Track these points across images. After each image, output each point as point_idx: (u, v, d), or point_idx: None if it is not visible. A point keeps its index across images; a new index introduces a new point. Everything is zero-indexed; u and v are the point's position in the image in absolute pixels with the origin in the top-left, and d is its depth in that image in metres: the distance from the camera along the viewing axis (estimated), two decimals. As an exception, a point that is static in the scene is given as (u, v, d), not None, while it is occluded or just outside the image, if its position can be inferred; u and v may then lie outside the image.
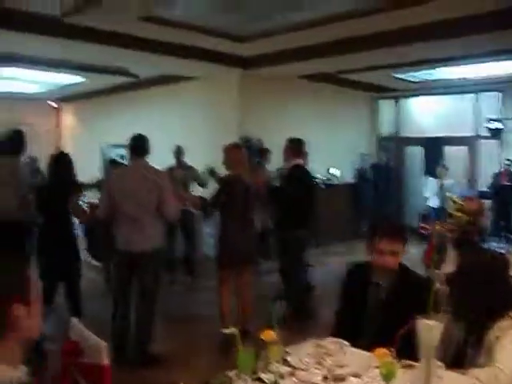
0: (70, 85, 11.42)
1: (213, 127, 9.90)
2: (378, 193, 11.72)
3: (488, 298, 2.29)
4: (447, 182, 9.58)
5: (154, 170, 4.95)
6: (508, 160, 10.55)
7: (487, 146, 11.47)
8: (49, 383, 2.50)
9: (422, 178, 10.98)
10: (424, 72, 10.41)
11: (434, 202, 9.37)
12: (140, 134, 5.03)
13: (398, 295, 2.64)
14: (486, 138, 11.36)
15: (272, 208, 6.66)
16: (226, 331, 2.17)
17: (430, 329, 1.80)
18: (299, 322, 5.50)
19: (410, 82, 11.27)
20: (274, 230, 6.80)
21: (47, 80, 10.92)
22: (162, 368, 4.60)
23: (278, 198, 6.16)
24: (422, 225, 2.05)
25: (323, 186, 8.72)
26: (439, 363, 2.17)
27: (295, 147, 6.36)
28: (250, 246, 5.33)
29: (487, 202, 10.42)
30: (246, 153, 5.56)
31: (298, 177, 6.18)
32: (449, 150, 11.82)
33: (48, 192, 5.25)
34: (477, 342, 2.32)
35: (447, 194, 9.41)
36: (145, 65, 9.48)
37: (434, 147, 11.73)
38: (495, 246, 9.20)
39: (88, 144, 12.77)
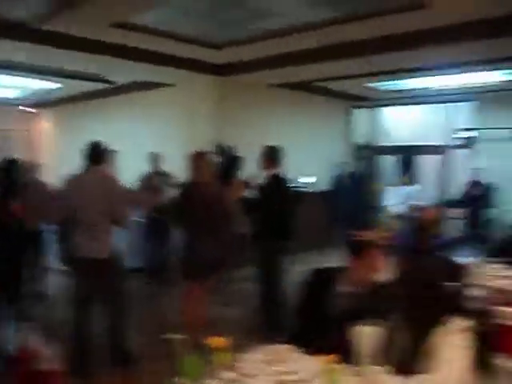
0: (47, 90, 11.36)
1: (189, 134, 9.92)
2: (352, 201, 11.81)
3: (426, 306, 2.35)
4: (412, 189, 9.68)
5: (110, 177, 5.02)
6: (474, 168, 10.72)
7: (459, 156, 11.66)
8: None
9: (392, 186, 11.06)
10: (397, 82, 10.58)
11: (398, 210, 9.46)
12: (96, 142, 5.08)
13: (366, 303, 2.67)
14: (458, 147, 11.54)
15: (250, 219, 6.46)
16: (170, 337, 2.20)
17: (367, 335, 1.85)
18: (270, 331, 5.48)
19: (383, 91, 11.43)
20: (253, 241, 6.48)
21: (23, 85, 10.84)
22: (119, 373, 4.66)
23: (256, 209, 6.10)
24: (358, 232, 2.05)
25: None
26: (382, 368, 2.23)
27: (272, 156, 6.27)
28: (215, 255, 5.23)
29: (458, 211, 10.65)
30: (209, 160, 5.53)
31: (276, 187, 6.15)
32: (422, 159, 12.01)
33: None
34: (419, 349, 2.38)
35: (411, 202, 9.57)
36: (120, 71, 9.49)
37: (406, 156, 11.89)
38: (465, 254, 9.36)
39: (67, 149, 12.69)
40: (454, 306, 2.43)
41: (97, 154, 4.97)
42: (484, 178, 10.55)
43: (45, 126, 14.76)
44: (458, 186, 11.08)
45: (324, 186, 11.90)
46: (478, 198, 10.21)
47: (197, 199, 5.14)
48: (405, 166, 11.38)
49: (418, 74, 9.53)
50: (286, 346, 2.56)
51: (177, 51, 8.22)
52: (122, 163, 10.35)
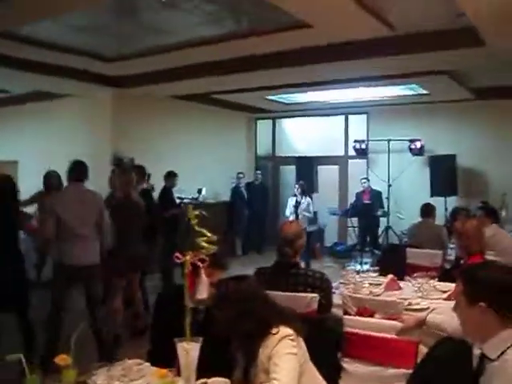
0: None
1: (86, 145, 9.80)
2: (252, 211, 12.07)
3: (243, 323, 2.48)
4: (303, 200, 9.99)
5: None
6: (365, 179, 11.23)
7: (356, 166, 12.20)
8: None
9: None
10: (297, 94, 10.95)
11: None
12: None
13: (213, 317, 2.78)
14: (354, 157, 12.05)
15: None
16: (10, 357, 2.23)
17: (187, 350, 1.96)
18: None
19: (283, 103, 11.77)
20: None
21: None
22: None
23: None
24: (177, 255, 2.15)
25: (192, 206, 8.89)
26: (225, 380, 2.35)
27: (142, 172, 6.98)
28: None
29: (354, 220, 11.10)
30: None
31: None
32: (321, 169, 12.44)
33: None
34: (253, 363, 2.51)
35: (304, 213, 9.89)
36: (15, 82, 9.29)
37: (306, 166, 12.28)
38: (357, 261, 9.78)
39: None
40: (278, 316, 2.57)
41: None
42: (375, 187, 11.07)
43: None
44: (354, 194, 11.55)
45: (227, 196, 12.08)
46: (371, 206, 10.65)
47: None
48: (305, 177, 11.73)
49: (316, 88, 9.89)
50: (134, 361, 2.64)
51: (72, 63, 8.14)
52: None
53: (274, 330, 2.47)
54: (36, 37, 6.89)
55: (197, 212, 2.02)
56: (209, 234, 1.98)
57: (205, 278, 2.31)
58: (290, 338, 2.47)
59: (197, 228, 2.01)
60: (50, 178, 7.25)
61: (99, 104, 9.95)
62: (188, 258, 2.06)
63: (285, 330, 2.48)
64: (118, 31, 6.88)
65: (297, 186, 10.29)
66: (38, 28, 6.54)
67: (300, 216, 9.84)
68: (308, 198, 10.12)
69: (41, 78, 8.43)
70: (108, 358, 4.30)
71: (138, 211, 6.18)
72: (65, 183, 5.77)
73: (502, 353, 2.02)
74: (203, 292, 2.33)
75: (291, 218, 9.83)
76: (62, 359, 2.33)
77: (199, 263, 2.10)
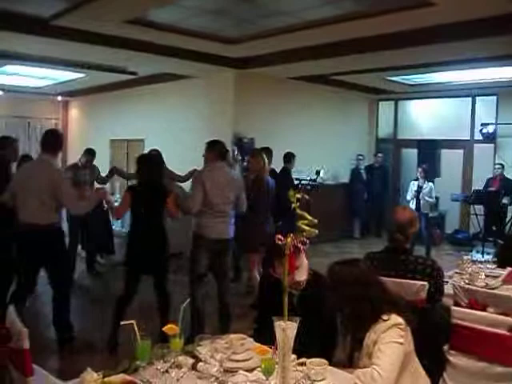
0: (73, 81, 11.73)
1: (209, 125, 10.13)
2: (371, 194, 11.90)
3: (356, 306, 2.48)
4: (425, 185, 9.64)
5: (53, 166, 5.14)
6: (499, 164, 10.59)
7: (482, 150, 11.58)
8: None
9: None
10: (421, 76, 10.57)
11: (411, 205, 9.45)
12: (51, 130, 5.42)
13: (310, 301, 2.83)
14: (481, 141, 11.45)
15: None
16: (124, 322, 2.39)
17: (284, 329, 2.00)
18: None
19: (407, 84, 11.41)
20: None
21: (50, 75, 11.22)
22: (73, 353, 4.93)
23: None
24: (279, 236, 2.16)
25: (309, 188, 8.92)
26: (324, 361, 2.38)
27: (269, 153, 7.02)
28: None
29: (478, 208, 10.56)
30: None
31: None
32: (445, 153, 11.93)
33: None
34: (359, 346, 2.52)
35: (426, 197, 9.54)
36: (142, 64, 9.78)
37: (429, 150, 11.82)
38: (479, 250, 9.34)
39: (95, 138, 13.08)
40: (391, 303, 2.55)
41: (48, 142, 5.15)
42: (506, 174, 10.44)
43: (73, 114, 15.22)
44: (479, 181, 10.99)
45: (345, 178, 12.00)
46: (498, 194, 10.08)
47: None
48: (428, 160, 11.34)
49: (441, 68, 9.49)
50: (238, 336, 2.73)
51: (196, 46, 8.41)
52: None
53: (385, 317, 2.49)
54: (161, 21, 7.18)
55: (298, 195, 2.03)
56: (310, 218, 1.99)
57: (305, 260, 2.33)
58: (400, 327, 2.47)
59: (298, 211, 2.02)
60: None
61: (221, 85, 10.20)
62: (289, 239, 2.08)
63: (396, 319, 2.48)
64: (238, 14, 7.00)
65: (419, 169, 9.98)
66: (162, 13, 6.84)
67: (422, 201, 9.56)
68: (430, 183, 9.78)
69: (166, 60, 8.78)
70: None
71: (268, 191, 6.56)
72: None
73: None
74: (303, 273, 2.36)
75: (412, 202, 9.59)
76: (170, 328, 2.45)
77: (300, 245, 2.11)
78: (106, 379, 2.26)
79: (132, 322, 2.38)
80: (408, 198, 9.98)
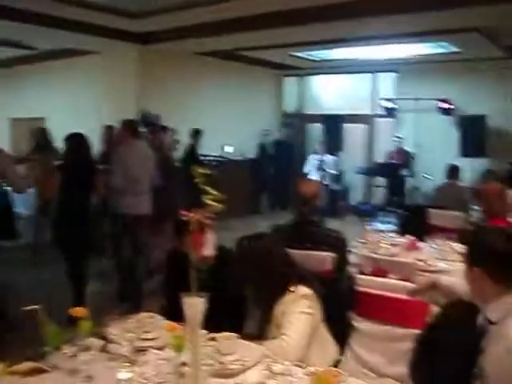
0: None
1: (112, 103, 9.86)
2: (278, 169, 12.08)
3: (263, 280, 2.54)
4: (326, 158, 9.95)
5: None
6: (397, 137, 11.06)
7: (383, 124, 12.03)
8: None
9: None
10: (325, 52, 10.77)
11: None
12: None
13: (218, 276, 2.85)
14: (382, 116, 11.88)
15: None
16: (27, 308, 2.30)
17: (193, 305, 2.00)
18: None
19: (310, 60, 11.60)
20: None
21: None
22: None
23: None
24: (183, 212, 2.16)
25: (214, 163, 8.97)
26: (234, 334, 2.41)
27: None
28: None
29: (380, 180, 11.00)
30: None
31: None
32: (348, 128, 12.30)
33: None
34: (268, 318, 2.57)
35: (327, 169, 9.85)
36: (41, 38, 9.33)
37: (333, 124, 12.16)
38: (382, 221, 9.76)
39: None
40: (297, 275, 2.62)
41: None
42: (405, 147, 10.90)
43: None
44: (381, 154, 11.43)
45: (252, 154, 12.08)
46: (398, 166, 10.54)
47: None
48: (330, 135, 11.65)
49: (344, 44, 9.70)
50: (147, 314, 2.71)
51: (98, 21, 8.11)
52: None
53: (292, 288, 2.53)
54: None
55: (202, 170, 2.02)
56: (215, 192, 1.98)
57: (211, 235, 2.34)
58: (308, 297, 2.52)
59: (202, 186, 2.01)
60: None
61: (124, 61, 9.94)
62: (194, 215, 2.07)
63: (303, 289, 2.54)
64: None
65: (318, 143, 10.23)
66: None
67: (323, 173, 9.82)
68: (332, 156, 10.06)
69: (66, 34, 8.41)
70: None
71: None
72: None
73: (504, 317, 2.02)
74: (210, 248, 2.37)
75: (312, 175, 9.82)
76: (77, 311, 2.39)
77: (205, 221, 2.11)
78: (12, 368, 2.18)
79: (36, 307, 2.30)
80: (306, 170, 10.24)
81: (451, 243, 4.46)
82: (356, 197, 12.22)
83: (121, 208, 5.64)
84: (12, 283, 6.03)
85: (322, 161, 9.92)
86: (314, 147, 10.39)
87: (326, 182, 9.80)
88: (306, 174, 10.01)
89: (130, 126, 5.89)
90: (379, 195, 11.28)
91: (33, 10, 7.44)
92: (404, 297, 3.03)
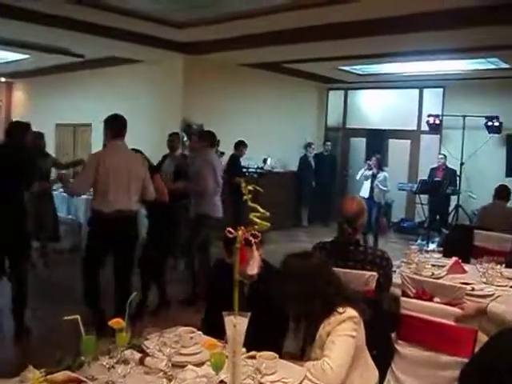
0: (18, 62, 11.33)
1: (158, 111, 9.97)
2: (319, 182, 11.99)
3: (305, 303, 2.47)
4: (379, 174, 9.79)
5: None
6: (442, 155, 10.84)
7: (428, 141, 11.82)
8: None
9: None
10: (371, 66, 10.67)
11: (364, 193, 9.57)
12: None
13: (261, 292, 2.79)
14: (427, 132, 11.67)
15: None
16: (68, 318, 2.29)
17: (235, 324, 1.96)
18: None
19: (356, 74, 11.50)
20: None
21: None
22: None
23: None
24: (229, 229, 2.12)
25: (256, 175, 8.93)
26: (274, 353, 2.35)
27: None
28: None
29: (423, 197, 10.77)
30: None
31: None
32: (392, 143, 12.14)
33: None
34: (312, 339, 2.50)
35: (380, 186, 9.68)
36: (90, 47, 9.54)
37: (377, 139, 12.01)
38: (424, 239, 9.55)
39: (38, 119, 12.66)
40: (345, 296, 2.55)
41: None
42: (450, 165, 10.67)
43: (17, 96, 14.70)
44: (425, 171, 11.22)
45: (294, 166, 12.03)
46: (442, 183, 10.31)
47: None
48: (376, 150, 11.50)
49: (391, 59, 9.60)
50: (187, 329, 2.67)
51: (143, 30, 8.21)
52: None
53: (341, 309, 2.47)
54: (111, 3, 6.96)
55: (250, 187, 1.97)
56: (262, 210, 1.94)
57: (257, 253, 2.29)
58: (355, 320, 2.47)
59: (250, 203, 1.97)
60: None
61: (171, 70, 10.05)
62: (240, 232, 2.03)
63: (351, 312, 2.48)
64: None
65: (373, 159, 10.04)
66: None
67: (376, 190, 9.68)
68: (384, 172, 9.91)
69: (111, 43, 8.57)
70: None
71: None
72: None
73: None
74: (254, 267, 2.32)
75: (364, 189, 9.73)
76: (115, 322, 2.38)
77: (252, 239, 2.06)
78: (48, 377, 2.17)
79: (77, 316, 2.29)
80: (357, 177, 10.20)
81: (498, 267, 4.30)
82: (398, 214, 12.03)
83: (207, 210, 6.11)
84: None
85: (374, 176, 9.75)
86: (368, 161, 10.19)
87: (376, 199, 9.66)
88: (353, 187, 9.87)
89: (210, 137, 6.41)
90: (422, 213, 11.04)
91: (81, 19, 7.56)
92: (451, 322, 2.93)
